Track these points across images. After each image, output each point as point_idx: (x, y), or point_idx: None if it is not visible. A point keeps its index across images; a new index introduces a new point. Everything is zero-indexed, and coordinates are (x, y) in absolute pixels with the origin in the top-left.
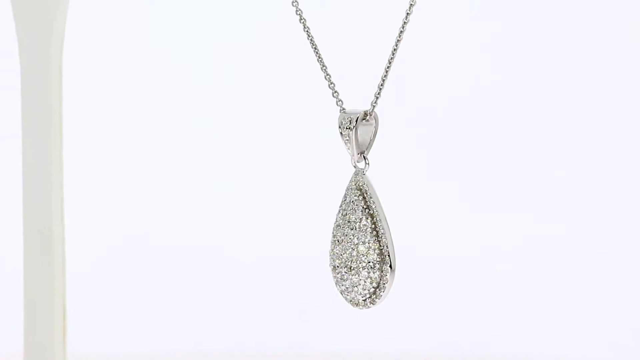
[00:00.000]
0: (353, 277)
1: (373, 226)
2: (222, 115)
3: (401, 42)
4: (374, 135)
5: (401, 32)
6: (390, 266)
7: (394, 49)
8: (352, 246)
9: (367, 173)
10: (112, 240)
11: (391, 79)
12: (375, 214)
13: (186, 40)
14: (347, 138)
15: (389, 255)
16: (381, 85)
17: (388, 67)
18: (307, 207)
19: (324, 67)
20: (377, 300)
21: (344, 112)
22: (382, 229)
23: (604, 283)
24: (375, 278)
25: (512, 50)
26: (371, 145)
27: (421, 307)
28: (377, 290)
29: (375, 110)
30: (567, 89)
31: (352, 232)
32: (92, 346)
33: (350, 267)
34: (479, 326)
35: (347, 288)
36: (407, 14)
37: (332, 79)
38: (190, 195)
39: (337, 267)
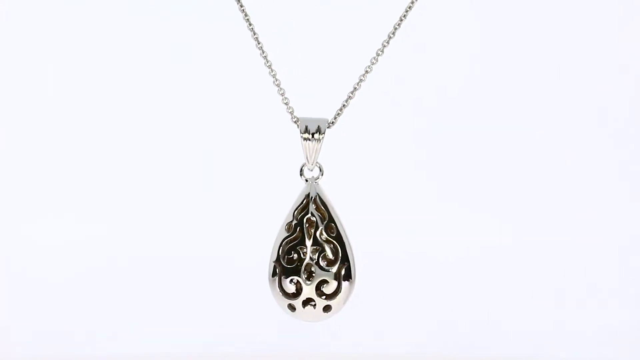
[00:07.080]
0: None
1: None
2: (220, 118)
3: (381, 55)
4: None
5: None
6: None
7: (373, 62)
8: None
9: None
10: (110, 246)
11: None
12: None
13: (158, 48)
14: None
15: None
16: (351, 94)
17: (361, 80)
18: None
19: (275, 76)
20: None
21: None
22: None
23: (602, 283)
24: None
25: (499, 50)
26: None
27: (418, 308)
28: None
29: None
30: (561, 91)
31: None
32: (93, 346)
33: None
34: (476, 326)
35: None
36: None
37: (282, 86)
38: (188, 198)
39: None
